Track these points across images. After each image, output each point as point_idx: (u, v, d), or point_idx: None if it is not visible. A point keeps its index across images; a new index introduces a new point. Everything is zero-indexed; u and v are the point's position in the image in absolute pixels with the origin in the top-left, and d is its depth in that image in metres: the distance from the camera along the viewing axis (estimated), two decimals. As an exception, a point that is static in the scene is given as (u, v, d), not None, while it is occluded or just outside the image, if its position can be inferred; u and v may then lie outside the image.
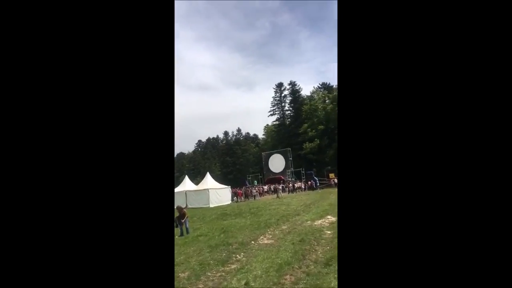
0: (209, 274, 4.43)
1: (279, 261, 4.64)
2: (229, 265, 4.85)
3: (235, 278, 4.12)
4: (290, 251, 5.30)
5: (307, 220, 9.00)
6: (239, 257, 5.33)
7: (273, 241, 6.55)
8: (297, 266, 4.36)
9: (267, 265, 4.55)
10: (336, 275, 3.75)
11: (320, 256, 4.85)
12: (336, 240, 5.70)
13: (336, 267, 4.04)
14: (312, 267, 4.31)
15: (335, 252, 4.94)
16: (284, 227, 8.39)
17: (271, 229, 8.18)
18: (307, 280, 3.78)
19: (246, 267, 4.55)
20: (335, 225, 7.58)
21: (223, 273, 4.43)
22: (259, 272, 4.26)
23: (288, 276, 3.96)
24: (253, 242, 6.55)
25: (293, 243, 5.93)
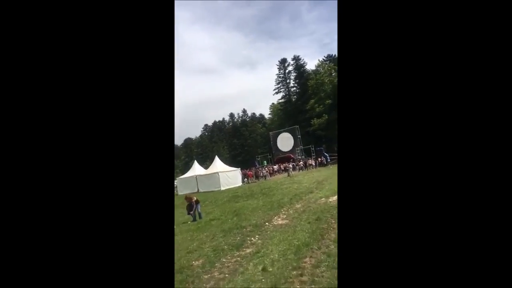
0: (224, 260, 4.23)
1: (297, 242, 4.39)
2: (244, 249, 4.64)
3: (251, 263, 3.89)
4: (307, 231, 5.04)
5: (321, 198, 8.74)
6: (254, 240, 5.12)
7: (287, 221, 6.32)
8: (316, 247, 4.09)
9: (284, 247, 4.31)
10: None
11: (340, 234, 4.58)
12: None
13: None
14: (332, 247, 4.04)
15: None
16: (298, 206, 8.16)
17: (285, 208, 7.96)
18: (329, 262, 3.51)
19: (262, 251, 4.32)
20: (351, 200, 7.28)
21: (239, 258, 4.22)
22: (276, 255, 4.02)
23: (308, 259, 3.71)
24: (267, 223, 6.34)
25: (309, 222, 5.67)
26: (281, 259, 3.86)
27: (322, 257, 3.68)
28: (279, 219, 6.67)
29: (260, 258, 4.00)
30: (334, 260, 3.49)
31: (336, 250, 3.83)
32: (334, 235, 4.64)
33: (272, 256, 4.01)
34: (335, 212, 6.35)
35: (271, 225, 6.10)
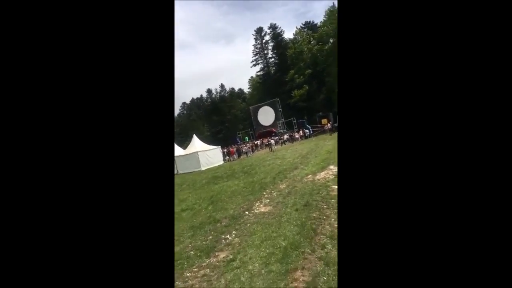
0: (187, 275, 3.16)
1: (283, 243, 3.39)
2: (216, 254, 3.60)
3: (222, 279, 2.86)
4: (295, 223, 4.06)
5: (307, 174, 7.83)
6: (229, 238, 4.09)
7: (271, 207, 5.34)
8: (308, 250, 3.10)
9: (268, 251, 3.30)
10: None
11: (337, 226, 3.61)
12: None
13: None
14: (330, 246, 3.08)
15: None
16: (282, 186, 7.21)
17: (268, 191, 6.99)
18: (329, 274, 2.54)
19: (239, 258, 3.29)
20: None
21: (208, 270, 3.18)
22: (257, 265, 3.00)
23: (299, 272, 2.70)
24: (247, 212, 5.32)
25: (296, 209, 4.70)
26: (263, 271, 2.85)
27: (319, 267, 2.70)
28: (261, 205, 5.67)
29: (235, 271, 2.97)
30: (335, 272, 2.51)
31: (335, 252, 2.86)
32: (329, 227, 3.69)
33: (251, 267, 2.99)
34: (325, 193, 5.43)
35: (251, 215, 5.10)
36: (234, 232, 4.34)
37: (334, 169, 7.65)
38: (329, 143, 16.41)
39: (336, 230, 3.47)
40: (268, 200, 5.96)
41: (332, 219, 3.91)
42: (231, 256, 3.39)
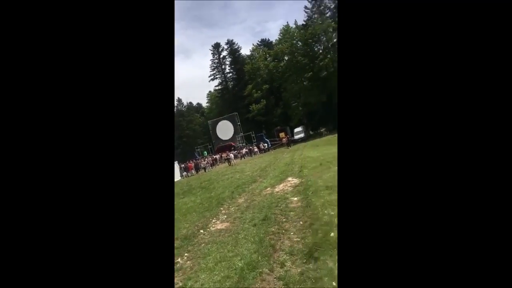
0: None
1: (240, 264, 3.08)
2: (164, 282, 3.14)
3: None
4: (252, 239, 3.78)
5: (266, 187, 7.65)
6: (180, 262, 3.65)
7: (228, 223, 5.00)
8: (267, 269, 2.84)
9: (222, 274, 2.96)
10: (335, 274, 2.33)
11: (296, 240, 3.42)
12: (309, 211, 4.36)
13: (327, 259, 2.62)
14: (290, 264, 2.86)
15: (313, 228, 3.56)
16: (240, 200, 6.91)
17: (226, 206, 6.64)
18: (288, 296, 2.30)
19: (189, 284, 2.89)
20: (300, 188, 6.36)
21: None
22: (209, 292, 2.64)
23: (256, 297, 2.42)
24: (202, 231, 4.91)
25: (255, 225, 4.43)
26: (216, 299, 2.50)
27: (278, 289, 2.45)
28: (218, 222, 5.30)
29: (184, 302, 2.57)
30: (295, 292, 2.28)
31: (297, 271, 2.65)
32: (288, 241, 3.48)
33: (202, 295, 2.62)
34: (284, 205, 5.27)
35: (206, 233, 4.70)
36: (186, 254, 3.90)
37: (292, 180, 7.61)
38: (287, 155, 16.64)
39: (295, 245, 3.28)
40: (225, 216, 5.60)
41: (291, 233, 3.72)
42: (181, 284, 2.97)
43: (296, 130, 31.57)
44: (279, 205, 5.35)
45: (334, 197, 4.70)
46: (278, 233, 3.81)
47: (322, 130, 31.38)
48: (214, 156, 28.31)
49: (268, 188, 7.41)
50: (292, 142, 26.96)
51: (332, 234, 3.13)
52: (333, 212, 3.90)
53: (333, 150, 12.74)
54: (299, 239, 3.41)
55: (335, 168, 7.65)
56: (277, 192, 6.70)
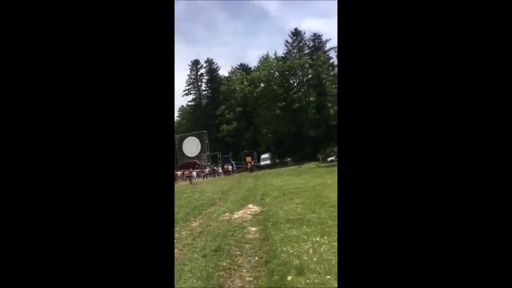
0: None
1: (178, 305, 2.60)
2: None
3: None
4: (199, 273, 3.31)
5: (224, 212, 7.20)
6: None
7: (176, 250, 4.44)
8: (209, 315, 2.40)
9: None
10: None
11: (248, 279, 3.03)
12: (266, 246, 4.01)
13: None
14: (236, 309, 2.45)
15: (269, 266, 3.21)
16: (195, 224, 6.37)
17: (177, 228, 6.05)
18: None
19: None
20: (260, 218, 6.03)
21: None
22: None
23: None
24: (143, 257, 4.28)
25: (205, 255, 3.96)
26: None
27: None
28: (165, 248, 4.70)
29: None
30: None
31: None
32: (239, 280, 3.07)
33: None
34: (240, 235, 4.87)
35: (148, 261, 4.09)
36: None
37: (252, 208, 7.26)
38: (251, 181, 16.34)
39: (246, 285, 2.89)
40: (175, 241, 5.02)
41: (244, 270, 3.33)
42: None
43: (263, 156, 31.68)
44: (235, 234, 4.94)
45: (295, 232, 4.43)
46: (230, 268, 3.38)
47: (288, 159, 31.77)
48: (176, 172, 27.05)
49: (227, 214, 6.97)
50: (257, 167, 26.83)
51: (289, 278, 2.80)
52: (292, 250, 3.61)
53: (297, 181, 12.74)
54: (251, 279, 3.02)
55: (297, 200, 7.48)
56: (235, 219, 6.28)
